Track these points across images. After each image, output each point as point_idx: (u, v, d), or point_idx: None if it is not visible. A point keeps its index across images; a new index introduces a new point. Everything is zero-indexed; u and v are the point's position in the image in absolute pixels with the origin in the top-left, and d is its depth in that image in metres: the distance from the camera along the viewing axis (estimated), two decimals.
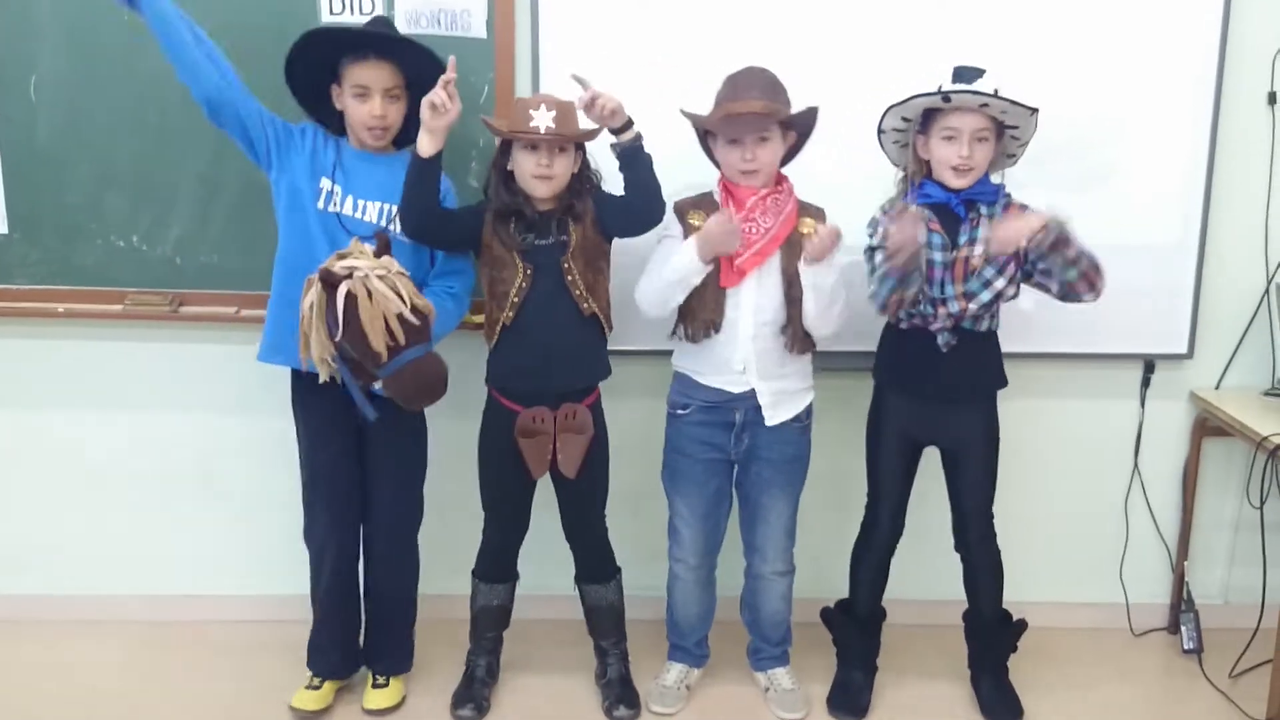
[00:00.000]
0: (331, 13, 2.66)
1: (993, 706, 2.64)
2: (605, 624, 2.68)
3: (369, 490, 2.56)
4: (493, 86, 2.73)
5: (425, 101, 2.31)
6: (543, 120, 2.32)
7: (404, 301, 2.19)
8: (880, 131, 2.48)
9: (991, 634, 2.67)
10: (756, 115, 2.36)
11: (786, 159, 2.51)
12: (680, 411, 2.57)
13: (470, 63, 2.70)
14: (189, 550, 3.03)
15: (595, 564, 2.64)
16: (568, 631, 2.82)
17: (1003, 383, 2.56)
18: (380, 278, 2.18)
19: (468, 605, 2.68)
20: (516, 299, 2.40)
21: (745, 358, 2.48)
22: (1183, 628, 2.98)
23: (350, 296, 2.15)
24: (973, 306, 2.41)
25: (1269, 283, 2.89)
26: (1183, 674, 2.89)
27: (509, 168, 2.42)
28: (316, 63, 2.41)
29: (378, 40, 2.42)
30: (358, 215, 2.45)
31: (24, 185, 2.76)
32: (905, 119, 2.44)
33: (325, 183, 2.44)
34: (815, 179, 2.55)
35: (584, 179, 2.46)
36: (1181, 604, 3.01)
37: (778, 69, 2.44)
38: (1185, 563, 3.03)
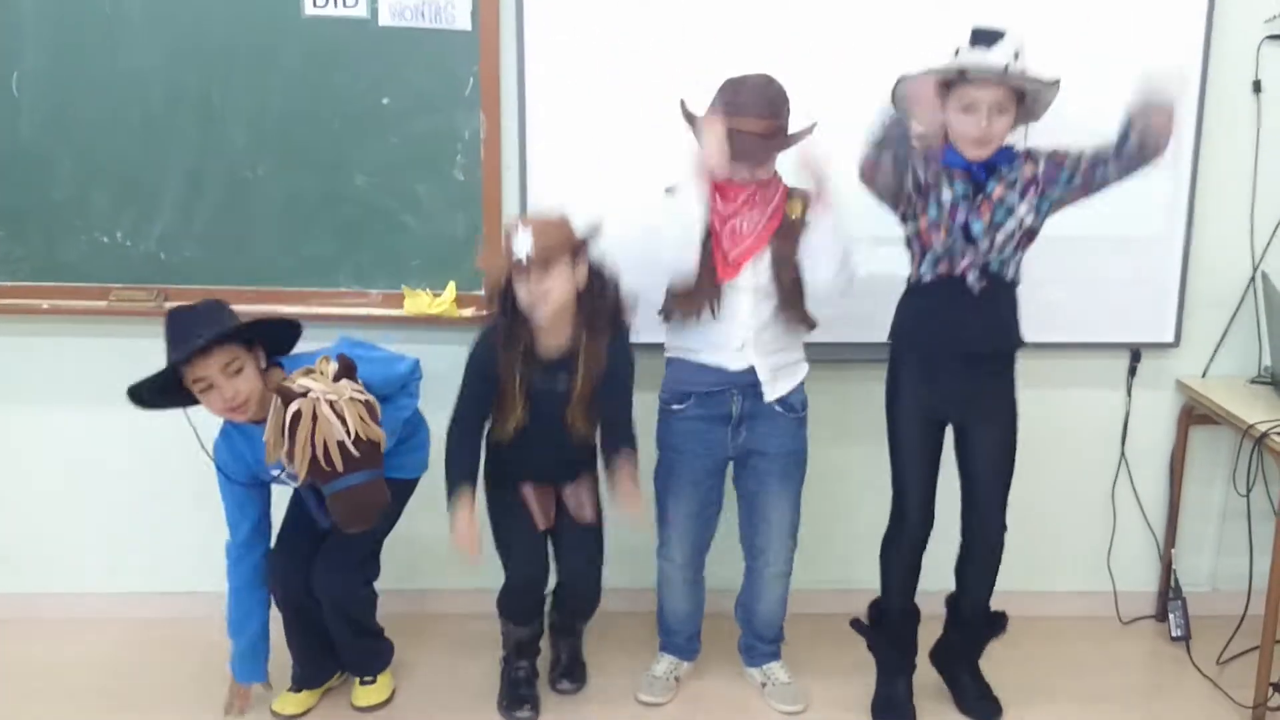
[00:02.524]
0: (315, 5, 2.65)
1: (976, 702, 2.60)
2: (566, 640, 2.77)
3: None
4: (477, 79, 2.72)
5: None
6: (522, 245, 2.26)
7: (349, 430, 2.19)
8: (894, 101, 2.40)
9: (977, 627, 2.62)
10: (758, 137, 2.33)
11: None
12: (676, 407, 2.54)
13: (455, 55, 2.70)
14: (177, 546, 3.02)
15: (579, 612, 2.69)
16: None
17: (1020, 341, 2.46)
18: (331, 403, 2.19)
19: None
20: (514, 427, 2.45)
21: (744, 335, 2.46)
22: (1170, 615, 2.99)
23: (297, 415, 2.18)
24: (1000, 237, 2.33)
25: (1254, 271, 2.90)
26: (1170, 661, 2.91)
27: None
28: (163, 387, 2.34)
29: (195, 347, 2.27)
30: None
31: (7, 182, 2.75)
32: None
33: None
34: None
35: (596, 292, 2.39)
36: (1169, 591, 3.03)
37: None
38: (1173, 550, 3.05)
